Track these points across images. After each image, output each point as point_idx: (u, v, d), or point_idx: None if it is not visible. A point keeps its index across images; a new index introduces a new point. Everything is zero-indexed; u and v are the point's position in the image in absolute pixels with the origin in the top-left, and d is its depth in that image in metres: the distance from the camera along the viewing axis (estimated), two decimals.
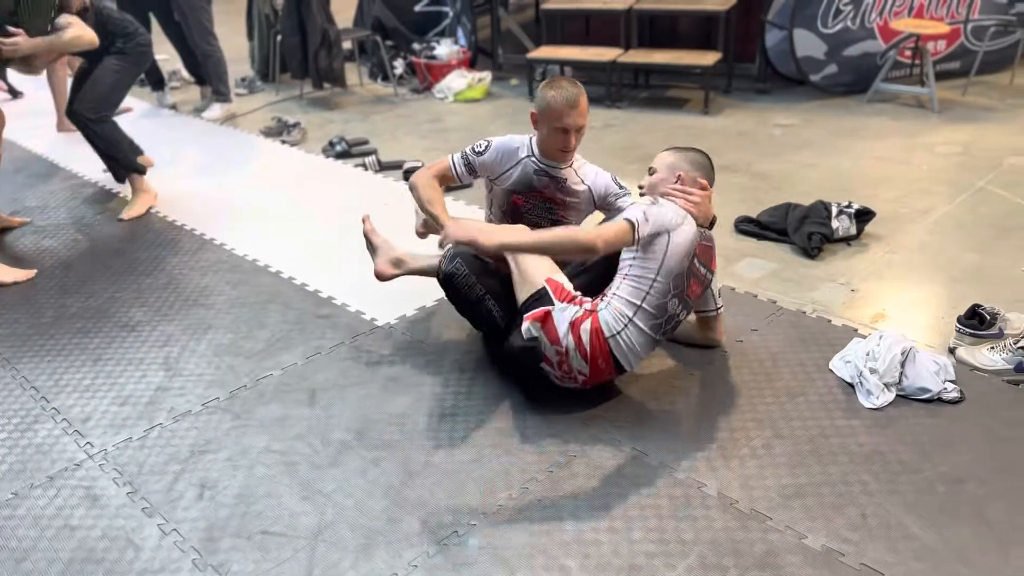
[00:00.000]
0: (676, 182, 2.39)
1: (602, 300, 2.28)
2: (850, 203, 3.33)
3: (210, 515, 2.01)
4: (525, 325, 2.23)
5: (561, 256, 2.38)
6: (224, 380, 2.55)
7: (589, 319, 2.22)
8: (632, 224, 2.19)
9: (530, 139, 2.67)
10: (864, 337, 2.50)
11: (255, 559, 1.88)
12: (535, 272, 2.33)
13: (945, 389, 2.28)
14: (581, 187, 2.69)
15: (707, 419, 2.26)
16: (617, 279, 2.29)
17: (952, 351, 2.52)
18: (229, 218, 3.79)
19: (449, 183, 2.78)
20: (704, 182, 2.40)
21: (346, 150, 4.60)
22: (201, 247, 3.48)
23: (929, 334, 2.65)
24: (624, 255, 2.30)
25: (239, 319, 2.89)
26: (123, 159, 3.86)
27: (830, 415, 2.25)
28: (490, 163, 2.69)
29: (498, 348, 2.49)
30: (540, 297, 2.28)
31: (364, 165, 4.39)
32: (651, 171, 2.45)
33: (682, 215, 2.28)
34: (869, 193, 3.74)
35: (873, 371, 2.30)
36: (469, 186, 3.87)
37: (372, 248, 2.79)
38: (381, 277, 2.75)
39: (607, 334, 2.22)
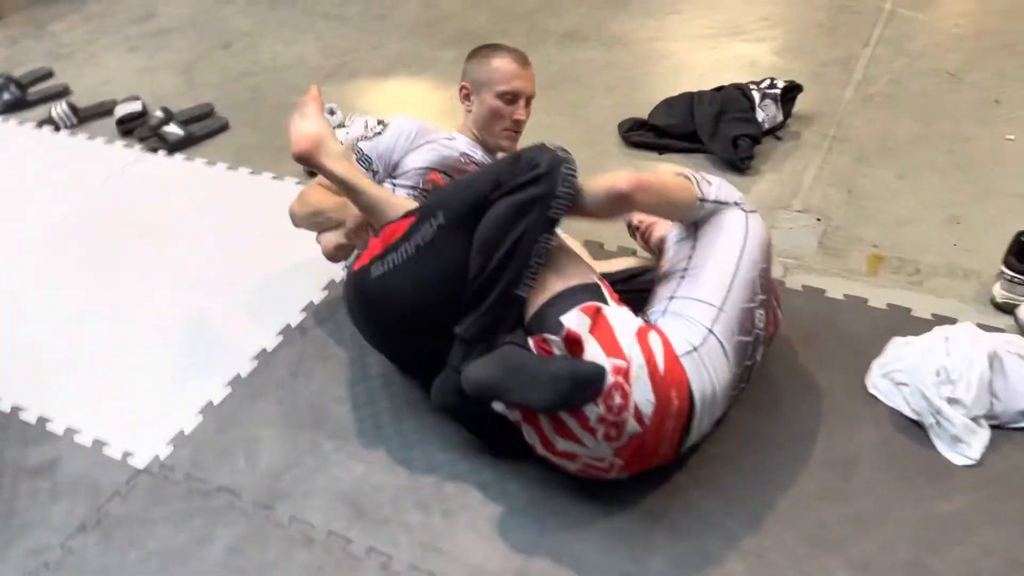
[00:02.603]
0: None
1: (654, 307, 1.47)
2: (773, 81, 2.41)
3: None
4: (572, 316, 1.34)
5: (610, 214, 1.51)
6: None
7: (653, 330, 1.38)
8: (692, 178, 1.52)
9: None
10: (901, 333, 1.68)
11: None
12: (575, 262, 1.49)
13: None
14: None
15: (768, 548, 1.38)
16: (668, 281, 1.50)
17: (1004, 308, 1.76)
18: None
19: None
20: None
21: (19, 98, 3.05)
22: None
23: (953, 281, 1.87)
24: (673, 248, 1.57)
25: None
26: None
27: (917, 495, 1.43)
28: (387, 146, 1.79)
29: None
30: (584, 291, 1.41)
31: (52, 120, 2.91)
32: None
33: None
34: (760, 44, 2.84)
35: (954, 402, 1.49)
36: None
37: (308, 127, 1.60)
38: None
39: (680, 350, 1.35)
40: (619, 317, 1.39)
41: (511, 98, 1.78)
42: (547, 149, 1.44)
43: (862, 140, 2.36)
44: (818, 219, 2.10)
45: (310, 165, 1.62)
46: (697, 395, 1.35)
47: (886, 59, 2.71)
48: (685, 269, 1.46)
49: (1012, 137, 2.30)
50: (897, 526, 1.39)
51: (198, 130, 2.76)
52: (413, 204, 1.58)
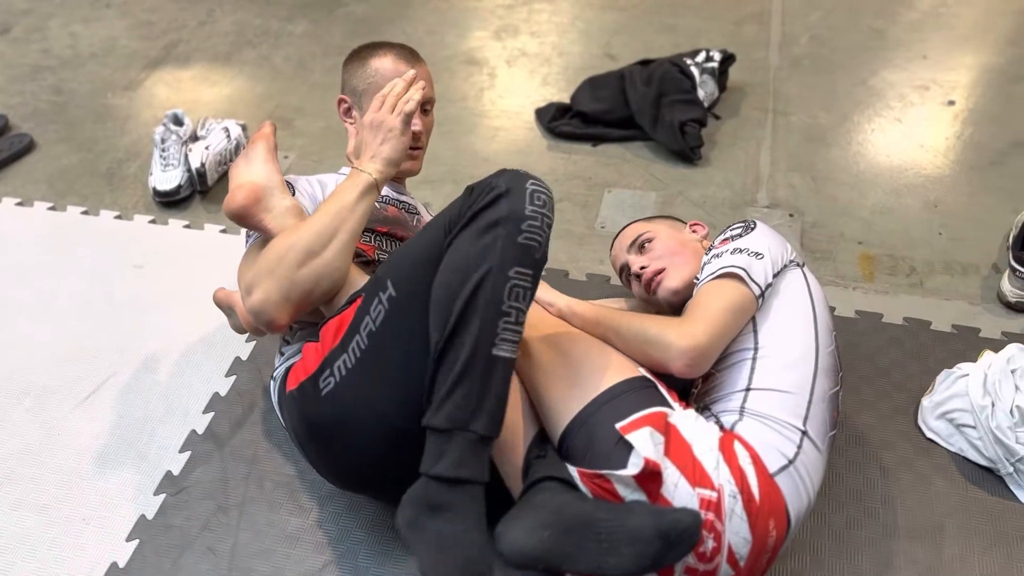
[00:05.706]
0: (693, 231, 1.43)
1: (721, 404, 1.16)
2: (708, 53, 2.14)
3: None
4: (644, 437, 1.03)
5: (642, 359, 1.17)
6: None
7: (736, 440, 1.09)
8: (741, 275, 1.17)
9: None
10: (930, 352, 1.50)
11: None
12: (601, 347, 1.18)
13: None
14: None
15: None
16: (733, 368, 1.17)
17: (1018, 307, 1.63)
18: None
19: None
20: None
21: None
22: None
23: (953, 278, 1.72)
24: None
25: None
26: None
27: (1018, 555, 1.27)
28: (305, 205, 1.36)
29: None
30: (635, 389, 1.11)
31: None
32: (645, 245, 1.38)
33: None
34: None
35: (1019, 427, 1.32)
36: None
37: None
38: None
39: (774, 466, 1.07)
40: (692, 426, 1.09)
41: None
42: (506, 170, 1.10)
43: (805, 113, 2.16)
44: (791, 215, 1.88)
45: (247, 226, 1.22)
46: (793, 517, 1.09)
47: (800, 12, 2.52)
48: (754, 349, 1.17)
49: (954, 100, 2.18)
50: None
51: None
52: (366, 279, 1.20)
